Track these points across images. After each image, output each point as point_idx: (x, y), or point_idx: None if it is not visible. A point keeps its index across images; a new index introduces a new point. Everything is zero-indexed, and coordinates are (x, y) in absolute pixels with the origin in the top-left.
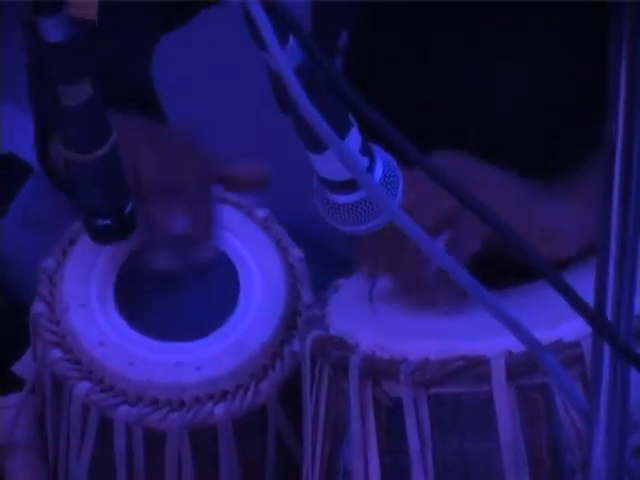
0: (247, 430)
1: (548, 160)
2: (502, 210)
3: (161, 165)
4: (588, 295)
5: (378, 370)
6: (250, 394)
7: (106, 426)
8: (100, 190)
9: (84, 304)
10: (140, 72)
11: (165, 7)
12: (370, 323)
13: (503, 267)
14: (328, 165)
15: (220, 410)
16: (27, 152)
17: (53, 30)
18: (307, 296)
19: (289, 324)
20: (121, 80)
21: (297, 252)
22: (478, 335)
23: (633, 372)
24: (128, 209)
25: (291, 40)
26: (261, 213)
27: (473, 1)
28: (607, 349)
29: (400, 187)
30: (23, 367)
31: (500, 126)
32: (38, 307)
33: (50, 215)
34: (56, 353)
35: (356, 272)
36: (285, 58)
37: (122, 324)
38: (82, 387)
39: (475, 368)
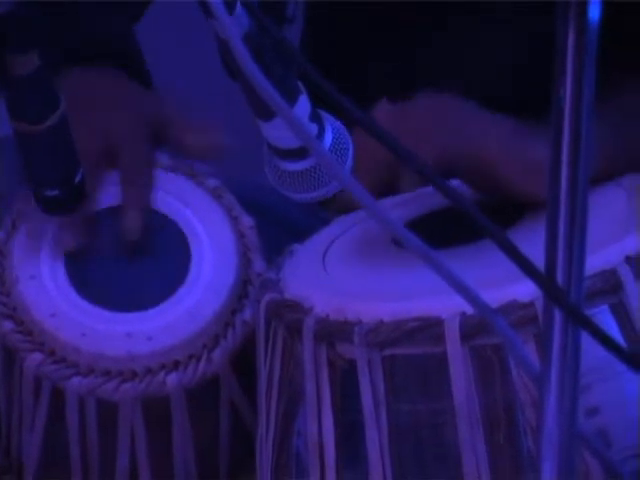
0: (200, 400)
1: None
2: (491, 142)
3: (97, 129)
4: (540, 251)
5: (332, 332)
6: (202, 363)
7: (58, 397)
8: (49, 160)
9: (34, 275)
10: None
11: None
12: (324, 286)
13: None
14: (277, 132)
15: (172, 380)
16: None
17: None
18: (258, 264)
19: (240, 293)
20: (102, 36)
21: (248, 220)
22: (432, 295)
23: (584, 335)
24: (77, 179)
25: (238, 7)
26: (212, 182)
27: None
28: (558, 313)
29: (350, 154)
30: None
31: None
32: None
33: (1, 187)
34: (7, 325)
35: (309, 238)
36: (232, 25)
37: (73, 295)
38: (34, 359)
39: (429, 329)
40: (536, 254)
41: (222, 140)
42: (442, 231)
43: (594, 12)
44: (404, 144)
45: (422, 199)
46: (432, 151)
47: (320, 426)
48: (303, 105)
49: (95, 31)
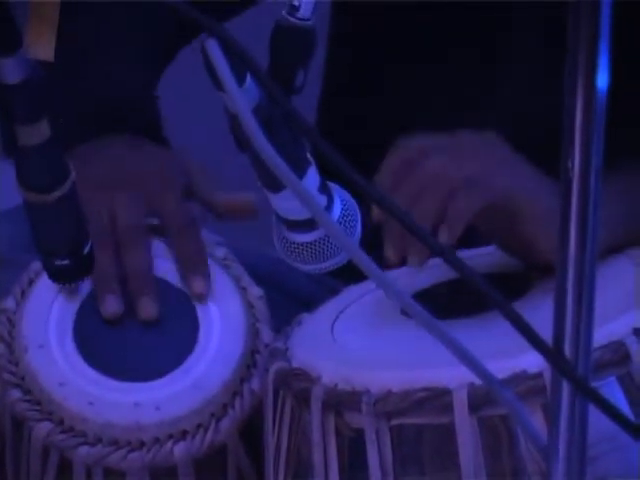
0: (207, 469)
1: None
2: (519, 193)
3: (139, 206)
4: (548, 323)
5: (340, 401)
6: (210, 433)
7: (66, 467)
8: (58, 230)
9: (43, 345)
10: (144, 95)
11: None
12: (332, 355)
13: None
14: (286, 204)
15: (180, 450)
16: None
17: (10, 71)
18: (266, 335)
19: (248, 362)
20: (121, 100)
21: (257, 291)
22: (440, 365)
23: (592, 405)
24: (87, 249)
25: (248, 79)
26: (220, 252)
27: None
28: (566, 385)
29: (358, 225)
30: None
31: None
32: None
33: (10, 255)
34: (15, 394)
35: (318, 308)
36: (242, 98)
37: (81, 364)
38: (42, 428)
39: (437, 399)
40: (544, 325)
41: (252, 199)
42: (451, 302)
43: (602, 81)
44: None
45: (430, 270)
46: (478, 168)
47: None
48: (312, 177)
49: (111, 97)
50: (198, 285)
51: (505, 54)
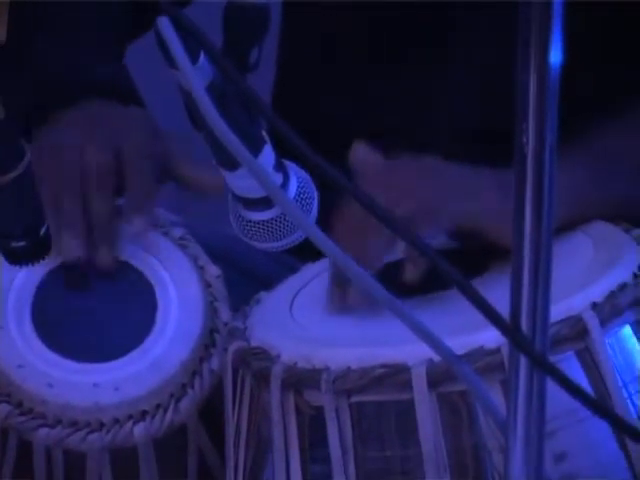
0: (168, 450)
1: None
2: (484, 204)
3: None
4: (506, 299)
5: (300, 380)
6: (170, 413)
7: (25, 448)
8: (14, 212)
9: (1, 326)
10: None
11: (130, 12)
12: (291, 333)
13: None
14: (241, 182)
15: (139, 430)
16: None
17: None
18: (225, 313)
19: (207, 342)
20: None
21: (214, 270)
22: (399, 342)
23: (550, 380)
24: (43, 230)
25: (202, 57)
26: (177, 231)
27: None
28: (524, 360)
29: (315, 203)
30: None
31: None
32: None
33: None
34: None
35: (276, 286)
36: (195, 75)
37: (40, 346)
38: (1, 410)
39: (396, 376)
40: (502, 302)
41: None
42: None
43: (555, 57)
44: (388, 196)
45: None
46: (413, 205)
47: (288, 474)
48: (267, 155)
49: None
50: (138, 223)
51: (460, 51)
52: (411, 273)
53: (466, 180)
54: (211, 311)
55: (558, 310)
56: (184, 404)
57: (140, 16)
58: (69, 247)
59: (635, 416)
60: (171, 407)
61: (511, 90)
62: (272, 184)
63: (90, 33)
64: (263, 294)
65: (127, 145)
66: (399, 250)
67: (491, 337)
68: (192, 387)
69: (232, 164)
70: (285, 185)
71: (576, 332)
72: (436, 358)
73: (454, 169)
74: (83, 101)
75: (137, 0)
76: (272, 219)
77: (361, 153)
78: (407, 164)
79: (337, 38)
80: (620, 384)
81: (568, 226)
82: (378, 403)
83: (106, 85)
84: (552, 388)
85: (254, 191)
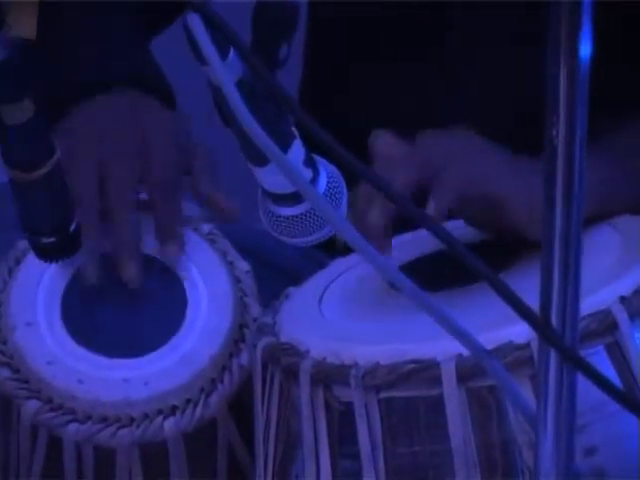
0: (197, 444)
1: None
2: (501, 180)
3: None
4: (535, 293)
5: (329, 375)
6: (199, 408)
7: (55, 444)
8: (44, 208)
9: (31, 322)
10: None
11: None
12: (320, 329)
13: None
14: (271, 178)
15: (169, 425)
16: None
17: None
18: (254, 309)
19: (237, 337)
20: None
21: (243, 265)
22: (428, 338)
23: (580, 374)
24: (73, 227)
25: (231, 53)
26: (206, 227)
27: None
28: (553, 354)
29: (344, 198)
30: None
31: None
32: None
33: None
34: (4, 372)
35: (305, 282)
36: (225, 72)
37: (69, 342)
38: (31, 406)
39: (425, 371)
40: (531, 296)
41: (235, 207)
42: (437, 274)
43: (585, 50)
44: (417, 178)
45: (416, 243)
46: (444, 189)
47: (318, 470)
48: (297, 150)
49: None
50: (171, 250)
51: (470, 46)
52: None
53: (496, 151)
54: (241, 306)
55: (587, 304)
56: (214, 399)
57: (154, 15)
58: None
59: None
60: (201, 402)
61: (522, 82)
62: (302, 179)
63: (116, 24)
64: (292, 289)
65: (155, 154)
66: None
67: (520, 332)
68: (222, 382)
69: (262, 160)
70: (315, 180)
71: (605, 326)
72: (465, 353)
73: (486, 141)
74: (115, 92)
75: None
76: (302, 214)
77: (382, 138)
78: (434, 140)
79: (362, 34)
80: None
81: (596, 220)
82: (407, 399)
83: (137, 76)
84: (581, 382)
85: (284, 186)
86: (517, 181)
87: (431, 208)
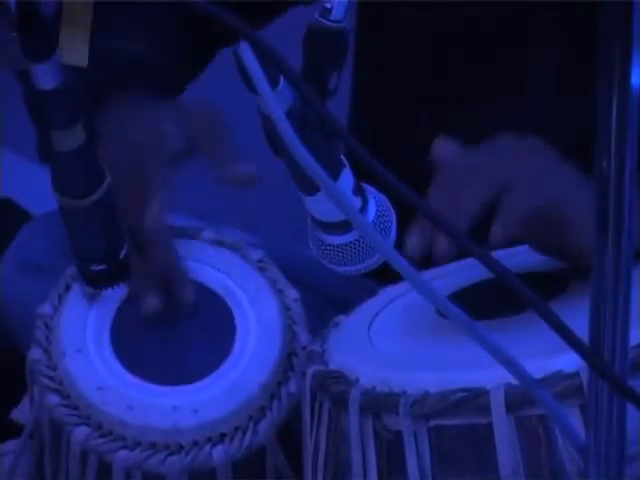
0: (246, 472)
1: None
2: (563, 199)
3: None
4: (584, 321)
5: (378, 404)
6: (248, 436)
7: (105, 471)
8: (94, 235)
9: (80, 349)
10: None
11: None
12: (369, 357)
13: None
14: (321, 206)
15: (218, 453)
16: (25, 198)
17: (44, 77)
18: (303, 337)
19: (285, 365)
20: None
21: (293, 293)
22: (477, 366)
23: (628, 407)
24: (123, 254)
25: (282, 82)
26: (256, 254)
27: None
28: (604, 385)
29: (393, 226)
30: (21, 413)
31: None
32: (35, 353)
33: (47, 261)
34: (54, 399)
35: (354, 310)
36: (276, 101)
37: (119, 368)
38: (80, 432)
39: (475, 400)
40: (579, 326)
41: (252, 170)
42: (485, 303)
43: (636, 78)
44: (482, 193)
45: (463, 271)
46: (512, 212)
47: None
48: (346, 179)
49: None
50: (186, 297)
51: (535, 57)
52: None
53: (566, 169)
54: (290, 334)
55: (636, 334)
56: (262, 427)
57: (199, 56)
58: (147, 299)
59: None
60: (250, 430)
61: (584, 95)
62: (351, 208)
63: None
64: (341, 317)
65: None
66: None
67: (569, 361)
68: (270, 410)
69: (312, 188)
70: (364, 209)
71: None
72: (514, 382)
73: (557, 157)
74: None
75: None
76: (351, 242)
77: (444, 146)
78: (513, 143)
79: (411, 60)
80: None
81: None
82: (456, 427)
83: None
84: (631, 412)
85: (333, 215)
86: (585, 203)
87: (497, 233)
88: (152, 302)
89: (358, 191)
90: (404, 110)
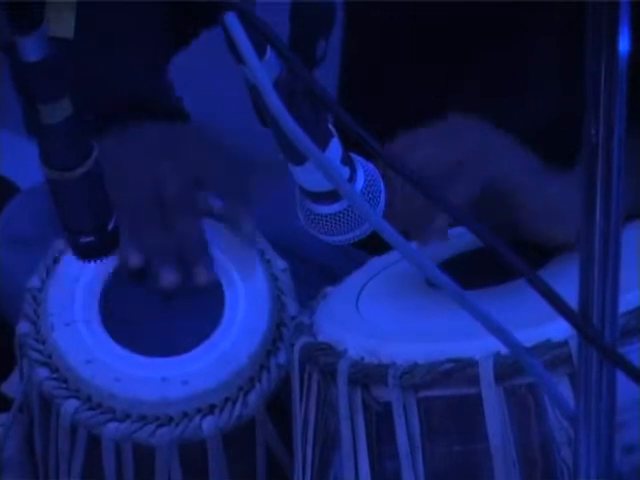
0: (236, 443)
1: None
2: (513, 176)
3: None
4: (573, 290)
5: (367, 375)
6: (238, 407)
7: (95, 443)
8: (82, 207)
9: (69, 322)
10: (155, 83)
11: (169, 28)
12: (358, 328)
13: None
14: (309, 176)
15: (208, 424)
16: (12, 171)
17: (30, 49)
18: (292, 307)
19: (275, 336)
20: (136, 90)
21: (281, 263)
22: (466, 336)
23: (620, 372)
24: (111, 226)
25: (269, 52)
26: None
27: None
28: (593, 352)
29: (382, 196)
30: (11, 386)
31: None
32: (23, 327)
33: (35, 235)
34: (43, 372)
35: (343, 280)
36: (263, 71)
37: (108, 341)
38: (70, 405)
39: (463, 370)
40: (568, 295)
41: (250, 227)
42: (473, 272)
43: (624, 46)
44: (435, 169)
45: (452, 240)
46: (466, 183)
47: (356, 471)
48: (334, 148)
49: (121, 81)
50: (200, 277)
51: (528, 54)
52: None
53: (518, 151)
54: (278, 305)
55: (625, 301)
56: (252, 398)
57: (182, 30)
58: (164, 276)
59: None
60: (239, 401)
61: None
62: (339, 177)
63: (133, 48)
64: (329, 289)
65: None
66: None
67: (558, 330)
68: (260, 381)
69: (300, 158)
70: (352, 178)
71: None
72: (503, 351)
73: (509, 140)
74: (131, 121)
75: (178, 14)
76: (340, 212)
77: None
78: (462, 122)
79: (399, 33)
80: None
81: (633, 218)
82: (446, 398)
83: (151, 102)
84: (621, 380)
85: (322, 185)
86: (536, 184)
87: (459, 194)
88: (169, 277)
89: (346, 161)
90: (393, 80)
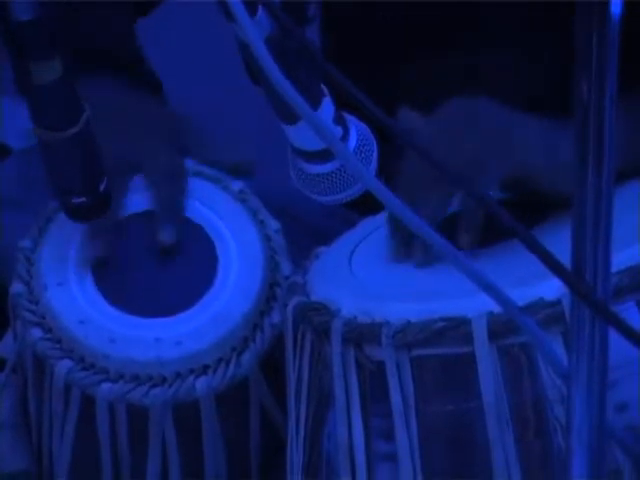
0: (230, 404)
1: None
2: (523, 143)
3: (128, 141)
4: (565, 249)
5: (360, 334)
6: (231, 367)
7: (88, 404)
8: (74, 168)
9: (62, 282)
10: (124, 43)
11: None
12: (351, 288)
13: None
14: (302, 135)
15: (201, 384)
16: (4, 134)
17: (22, 8)
18: (285, 267)
19: (268, 295)
20: (105, 48)
21: (274, 224)
22: (459, 295)
23: (612, 330)
24: (103, 186)
25: (260, 10)
26: (236, 185)
27: None
28: (586, 310)
29: (374, 155)
30: (4, 347)
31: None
32: (16, 287)
33: (27, 196)
34: (36, 333)
35: (335, 241)
36: (254, 29)
37: (101, 301)
38: (63, 366)
39: (457, 329)
40: (561, 253)
41: (251, 155)
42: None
43: (616, 7)
44: (437, 147)
45: None
46: (464, 154)
47: (350, 429)
48: (327, 108)
49: (95, 34)
50: (165, 235)
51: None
52: (466, 229)
53: (515, 129)
54: (272, 265)
55: (618, 260)
56: (246, 357)
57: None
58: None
59: None
60: (233, 361)
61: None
62: (332, 136)
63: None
64: (322, 249)
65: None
66: (455, 203)
67: (551, 288)
68: (253, 340)
69: (292, 117)
70: (345, 137)
71: (637, 282)
72: (496, 310)
73: (500, 110)
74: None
75: None
76: (332, 171)
77: (406, 115)
78: (453, 109)
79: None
80: None
81: (626, 176)
82: (439, 356)
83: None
84: (613, 338)
85: (314, 144)
86: (540, 142)
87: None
88: (168, 234)
89: (339, 120)
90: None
